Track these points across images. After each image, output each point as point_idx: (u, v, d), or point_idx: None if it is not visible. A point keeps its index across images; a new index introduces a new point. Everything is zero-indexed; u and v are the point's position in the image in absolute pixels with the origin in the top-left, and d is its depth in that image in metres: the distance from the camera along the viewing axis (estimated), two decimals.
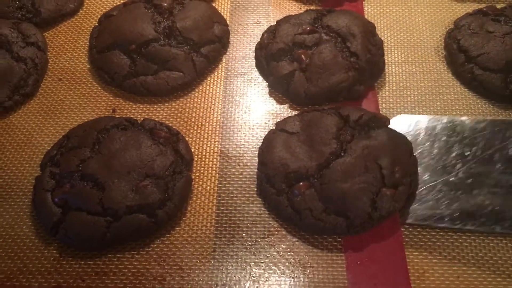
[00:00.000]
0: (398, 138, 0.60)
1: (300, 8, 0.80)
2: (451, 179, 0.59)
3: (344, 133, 0.61)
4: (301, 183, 0.58)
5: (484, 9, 0.76)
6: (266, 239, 0.57)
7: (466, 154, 0.61)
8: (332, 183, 0.56)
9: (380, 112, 0.68)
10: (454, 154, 0.61)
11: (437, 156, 0.61)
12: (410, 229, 0.58)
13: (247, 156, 0.65)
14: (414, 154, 0.60)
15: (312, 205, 0.56)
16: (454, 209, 0.57)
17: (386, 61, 0.73)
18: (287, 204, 0.57)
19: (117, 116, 0.68)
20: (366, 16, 0.79)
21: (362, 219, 0.55)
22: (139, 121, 0.66)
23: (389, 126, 0.62)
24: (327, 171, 0.57)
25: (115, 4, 0.80)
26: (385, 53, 0.73)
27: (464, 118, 0.65)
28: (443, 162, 0.61)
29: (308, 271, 0.55)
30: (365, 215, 0.55)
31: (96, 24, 0.77)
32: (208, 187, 0.62)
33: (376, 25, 0.75)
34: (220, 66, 0.74)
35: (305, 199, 0.56)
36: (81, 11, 0.81)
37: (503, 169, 0.60)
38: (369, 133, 0.60)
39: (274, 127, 0.64)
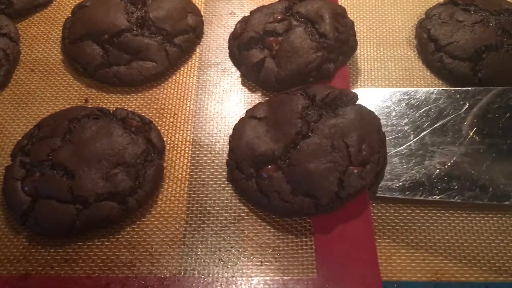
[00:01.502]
0: (366, 114, 0.61)
1: None
2: (404, 151, 0.60)
3: (311, 112, 0.61)
4: (268, 166, 0.58)
5: None
6: (237, 224, 0.58)
7: (419, 124, 0.62)
8: (299, 164, 0.56)
9: (351, 87, 0.69)
10: (408, 125, 0.62)
11: (392, 128, 0.62)
12: (379, 214, 0.59)
13: (219, 145, 0.65)
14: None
15: (279, 187, 0.56)
16: (405, 179, 0.58)
17: (358, 50, 0.74)
18: (256, 188, 0.58)
19: (89, 106, 0.68)
20: None
21: (329, 199, 0.55)
22: (111, 111, 0.66)
23: (357, 102, 0.62)
24: (294, 153, 0.57)
25: None
26: (358, 43, 0.74)
27: (419, 89, 0.65)
28: (397, 134, 0.61)
29: (277, 254, 0.56)
30: (333, 194, 0.55)
31: (69, 15, 0.77)
32: (180, 175, 0.62)
33: (349, 15, 0.75)
34: (193, 56, 0.75)
35: (272, 182, 0.57)
36: (54, 2, 0.81)
37: (453, 140, 0.60)
38: (337, 111, 0.60)
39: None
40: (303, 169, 0.56)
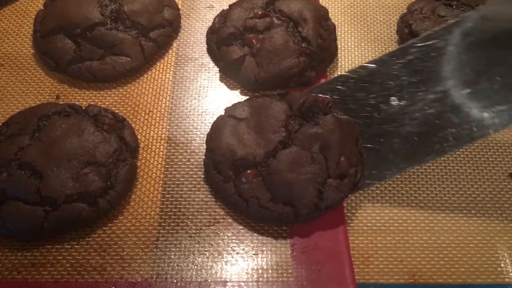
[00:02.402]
0: (345, 124, 0.60)
1: None
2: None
3: (293, 121, 0.59)
4: (248, 171, 0.56)
5: None
6: (212, 227, 0.56)
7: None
8: (278, 173, 0.55)
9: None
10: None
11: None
12: (353, 217, 0.57)
13: (195, 143, 0.63)
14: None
15: (259, 193, 0.55)
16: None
17: (338, 46, 0.72)
18: (234, 192, 0.56)
19: (61, 102, 0.66)
20: (320, 1, 0.78)
21: (308, 209, 0.54)
22: (83, 108, 0.64)
23: (332, 109, 0.61)
24: (274, 161, 0.56)
25: None
26: (338, 38, 0.73)
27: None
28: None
29: (253, 259, 0.54)
30: (312, 205, 0.54)
31: (41, 8, 0.74)
32: (154, 174, 0.61)
33: (329, 9, 0.74)
34: (170, 51, 0.73)
35: (252, 187, 0.55)
36: None
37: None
38: (316, 119, 0.59)
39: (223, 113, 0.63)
40: (282, 178, 0.55)
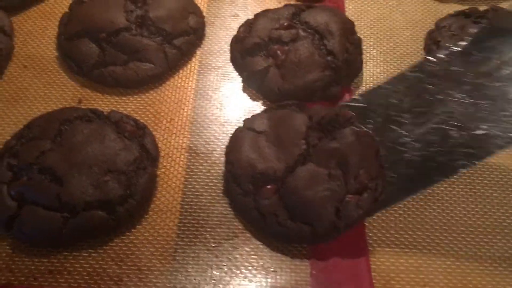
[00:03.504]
0: (364, 138, 0.58)
1: (280, 2, 0.78)
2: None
3: (312, 134, 0.58)
4: (269, 186, 0.55)
5: (466, 10, 0.75)
6: (230, 241, 0.55)
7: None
8: (296, 190, 0.54)
9: None
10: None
11: None
12: (375, 237, 0.56)
13: (216, 154, 0.63)
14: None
15: (278, 210, 0.54)
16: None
17: (364, 60, 0.71)
18: (253, 206, 0.55)
19: (83, 107, 0.65)
20: (346, 13, 0.77)
21: (326, 228, 0.53)
22: (105, 113, 0.63)
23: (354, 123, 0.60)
24: (291, 178, 0.55)
25: None
26: (364, 52, 0.71)
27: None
28: None
29: (270, 275, 0.53)
30: (330, 224, 0.53)
31: (67, 10, 0.74)
32: (174, 184, 0.60)
33: (355, 23, 0.73)
34: (193, 59, 0.72)
35: (271, 203, 0.54)
36: None
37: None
38: (334, 134, 0.58)
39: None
40: (300, 196, 0.54)
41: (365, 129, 0.59)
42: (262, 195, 0.55)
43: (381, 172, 0.56)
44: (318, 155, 0.56)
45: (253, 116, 0.63)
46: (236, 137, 0.60)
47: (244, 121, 0.62)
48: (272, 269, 0.54)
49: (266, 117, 0.61)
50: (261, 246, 0.55)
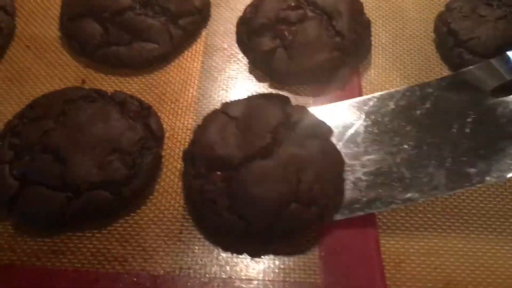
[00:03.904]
0: (331, 155, 0.55)
1: None
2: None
3: (282, 132, 0.55)
4: (218, 173, 0.53)
5: None
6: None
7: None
8: (244, 183, 0.51)
9: (363, 95, 0.65)
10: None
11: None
12: (385, 220, 0.55)
13: None
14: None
15: (219, 198, 0.52)
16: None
17: (372, 42, 0.70)
18: (198, 189, 0.53)
19: (86, 87, 0.64)
20: None
21: (261, 229, 0.50)
22: (109, 94, 0.62)
23: (330, 139, 0.57)
24: (245, 169, 0.52)
25: None
26: (372, 33, 0.70)
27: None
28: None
29: (278, 257, 0.52)
30: (266, 226, 0.50)
31: None
32: (179, 165, 0.59)
33: (364, 4, 0.71)
34: (199, 39, 0.71)
35: (215, 189, 0.52)
36: None
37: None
38: (303, 141, 0.55)
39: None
40: (246, 189, 0.51)
41: (336, 148, 0.57)
42: (209, 180, 0.53)
43: (337, 194, 0.54)
44: (280, 155, 0.53)
45: (232, 101, 0.61)
46: (207, 118, 0.58)
47: (222, 103, 0.60)
48: (279, 251, 0.52)
49: (244, 104, 0.59)
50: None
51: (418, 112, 0.59)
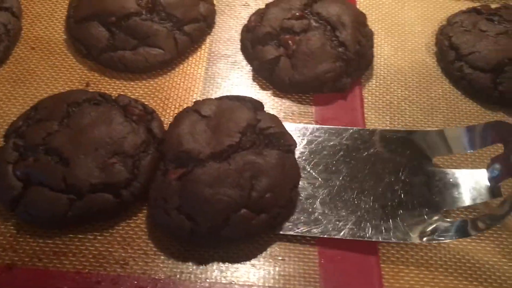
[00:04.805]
0: (289, 166, 0.55)
1: None
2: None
3: (248, 136, 0.56)
4: (177, 169, 0.53)
5: (478, 7, 0.74)
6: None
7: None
8: (198, 183, 0.51)
9: (365, 105, 0.66)
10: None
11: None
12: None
13: None
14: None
15: (169, 196, 0.52)
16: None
17: (374, 53, 0.71)
18: (158, 185, 0.53)
19: (90, 90, 0.64)
20: (358, 6, 0.76)
21: (207, 230, 0.50)
22: (113, 97, 0.62)
23: (293, 150, 0.57)
24: (200, 169, 0.52)
25: None
26: (374, 45, 0.71)
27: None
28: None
29: (278, 264, 0.52)
30: (212, 227, 0.50)
31: None
32: None
33: (367, 16, 0.72)
34: (203, 46, 0.71)
35: (168, 187, 0.52)
36: None
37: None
38: (263, 150, 0.55)
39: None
40: (198, 190, 0.51)
41: (295, 161, 0.57)
42: (165, 177, 0.53)
43: (289, 205, 0.54)
44: (238, 160, 0.53)
45: (203, 100, 0.61)
46: (178, 117, 0.58)
47: (194, 102, 0.60)
48: (280, 258, 0.53)
49: (216, 104, 0.59)
50: (269, 233, 0.54)
51: (357, 155, 0.60)
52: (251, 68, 0.69)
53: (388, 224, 0.54)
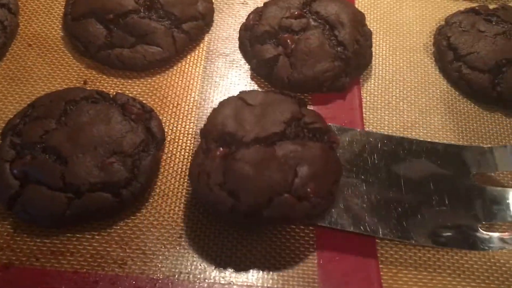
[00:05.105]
0: (332, 162, 0.56)
1: None
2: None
3: (293, 126, 0.56)
4: (220, 148, 0.53)
5: (477, 8, 0.74)
6: (236, 228, 0.54)
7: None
8: (242, 162, 0.51)
9: (363, 105, 0.66)
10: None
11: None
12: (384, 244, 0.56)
13: None
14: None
15: (213, 172, 0.52)
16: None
17: (373, 53, 0.71)
18: (199, 163, 0.53)
19: (88, 88, 0.64)
20: (356, 6, 0.76)
21: (249, 209, 0.50)
22: (111, 95, 0.62)
23: (335, 148, 0.58)
24: (246, 150, 0.53)
25: None
26: (373, 45, 0.71)
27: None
28: None
29: (279, 264, 0.52)
30: (255, 207, 0.50)
31: None
32: (180, 169, 0.59)
33: (366, 16, 0.72)
34: (201, 44, 0.71)
35: (212, 164, 0.52)
36: None
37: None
38: (309, 142, 0.55)
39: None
40: (243, 169, 0.51)
41: (338, 158, 0.57)
42: (209, 154, 0.53)
43: (329, 197, 0.54)
44: (283, 147, 0.54)
45: (250, 91, 0.61)
46: (224, 102, 0.58)
47: (240, 91, 0.60)
48: (279, 257, 0.53)
49: (262, 95, 0.59)
50: (269, 234, 0.54)
51: (397, 161, 0.60)
52: (249, 67, 0.69)
53: (427, 230, 0.55)
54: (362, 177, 0.58)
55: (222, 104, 0.59)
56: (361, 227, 0.54)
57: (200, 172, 0.53)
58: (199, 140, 0.60)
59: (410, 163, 0.60)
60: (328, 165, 0.55)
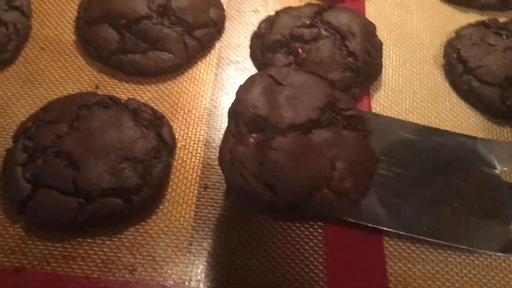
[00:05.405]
0: (367, 153, 0.52)
1: (301, 1, 0.78)
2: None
3: (328, 112, 0.51)
4: (253, 135, 0.49)
5: (487, 21, 0.75)
6: (245, 236, 0.55)
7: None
8: (279, 152, 0.47)
9: None
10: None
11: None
12: (395, 239, 0.56)
13: None
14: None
15: (248, 162, 0.47)
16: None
17: (383, 64, 0.71)
18: (231, 148, 0.49)
19: (100, 93, 0.64)
20: (366, 16, 0.76)
21: (288, 203, 0.46)
22: (122, 101, 0.62)
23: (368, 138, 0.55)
24: (282, 139, 0.48)
25: None
26: (383, 56, 0.71)
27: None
28: None
29: (287, 266, 0.53)
30: (294, 200, 0.46)
31: None
32: (190, 176, 0.59)
33: (377, 26, 0.72)
34: (212, 52, 0.71)
35: (245, 152, 0.48)
36: None
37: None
38: (343, 130, 0.52)
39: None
40: (281, 159, 0.47)
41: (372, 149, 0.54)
42: (242, 140, 0.49)
43: (366, 193, 0.51)
44: (319, 136, 0.49)
45: (278, 67, 0.58)
46: (251, 79, 0.54)
47: (265, 69, 0.56)
48: (288, 259, 0.53)
49: (293, 74, 0.54)
50: (278, 236, 0.55)
51: (428, 155, 0.61)
52: None
53: (460, 229, 0.55)
54: (393, 168, 0.58)
55: (250, 82, 0.53)
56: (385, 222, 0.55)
57: (232, 159, 0.48)
58: (209, 148, 0.61)
59: (438, 155, 0.60)
60: (364, 157, 0.51)
